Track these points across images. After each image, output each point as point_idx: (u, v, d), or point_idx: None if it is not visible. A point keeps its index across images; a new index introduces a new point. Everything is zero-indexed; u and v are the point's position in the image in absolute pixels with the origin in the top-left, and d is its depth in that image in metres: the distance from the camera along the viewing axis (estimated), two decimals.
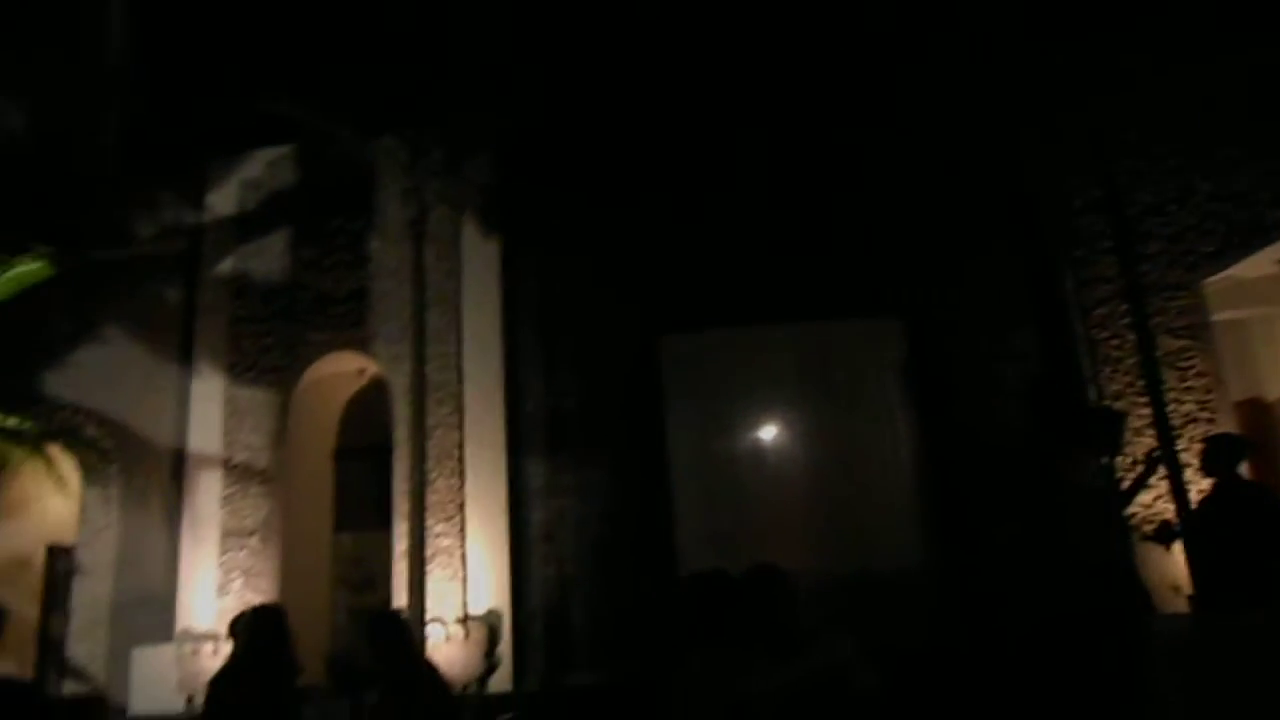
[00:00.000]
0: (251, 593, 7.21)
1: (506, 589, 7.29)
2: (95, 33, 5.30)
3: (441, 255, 7.91)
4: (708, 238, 7.61)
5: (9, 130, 5.65)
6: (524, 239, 8.04)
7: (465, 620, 7.17)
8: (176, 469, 7.80)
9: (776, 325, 7.62)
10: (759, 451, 7.79)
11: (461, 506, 7.50)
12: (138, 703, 6.98)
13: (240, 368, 8.00)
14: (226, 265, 8.23)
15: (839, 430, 7.59)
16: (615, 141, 7.90)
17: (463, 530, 7.44)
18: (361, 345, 8.03)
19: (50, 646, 7.61)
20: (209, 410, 7.90)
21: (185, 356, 8.04)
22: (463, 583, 7.31)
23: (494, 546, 7.39)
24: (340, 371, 8.35)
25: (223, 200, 8.32)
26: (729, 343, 7.76)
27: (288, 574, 7.58)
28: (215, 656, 6.65)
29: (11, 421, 6.40)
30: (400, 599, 6.74)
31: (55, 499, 7.82)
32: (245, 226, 8.26)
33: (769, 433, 7.83)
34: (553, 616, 7.27)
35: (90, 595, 7.58)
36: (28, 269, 6.52)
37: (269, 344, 8.07)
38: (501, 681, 7.06)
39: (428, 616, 7.02)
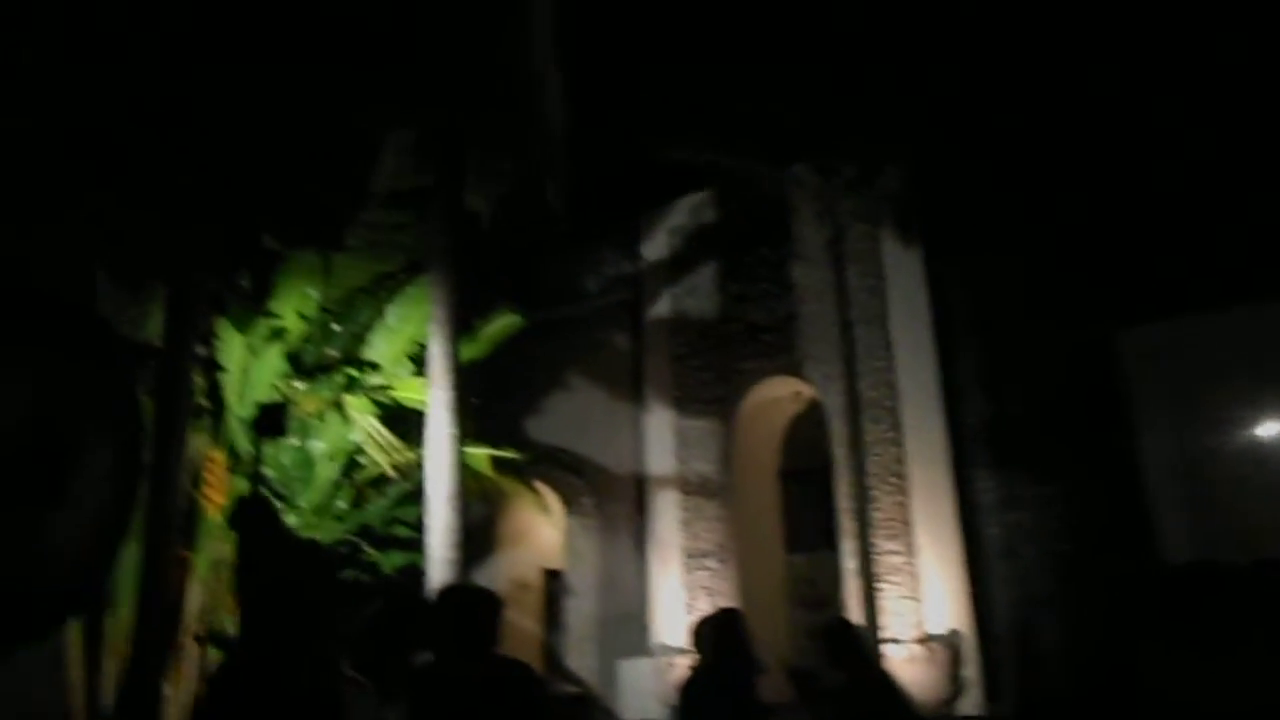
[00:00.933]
0: (711, 609, 7.61)
1: (966, 608, 6.93)
2: (538, 106, 6.09)
3: (863, 272, 7.85)
4: (1164, 213, 6.74)
5: (474, 208, 6.69)
6: (947, 245, 7.71)
7: (925, 640, 6.93)
8: (639, 497, 8.51)
9: (1265, 303, 6.51)
10: (1256, 448, 6.66)
11: (908, 524, 7.29)
12: (626, 710, 7.66)
13: (684, 400, 8.54)
14: (663, 307, 8.89)
15: None
16: (1035, 126, 7.32)
17: (912, 548, 7.23)
18: (794, 369, 8.18)
19: (551, 658, 8.61)
20: (662, 441, 8.53)
21: (636, 394, 8.77)
22: (918, 602, 7.09)
23: (947, 564, 7.08)
24: (776, 396, 8.59)
25: (655, 248, 9.03)
26: (1206, 328, 6.75)
27: (745, 593, 7.87)
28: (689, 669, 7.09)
29: (508, 453, 7.44)
30: (854, 618, 6.69)
31: (545, 528, 8.93)
32: (676, 269, 8.87)
33: (1270, 428, 6.68)
34: (1022, 636, 6.77)
35: (579, 613, 8.50)
36: (503, 324, 7.58)
37: (708, 376, 8.53)
38: (971, 706, 6.71)
39: (884, 635, 6.92)
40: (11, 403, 2.94)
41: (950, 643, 6.86)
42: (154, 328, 4.78)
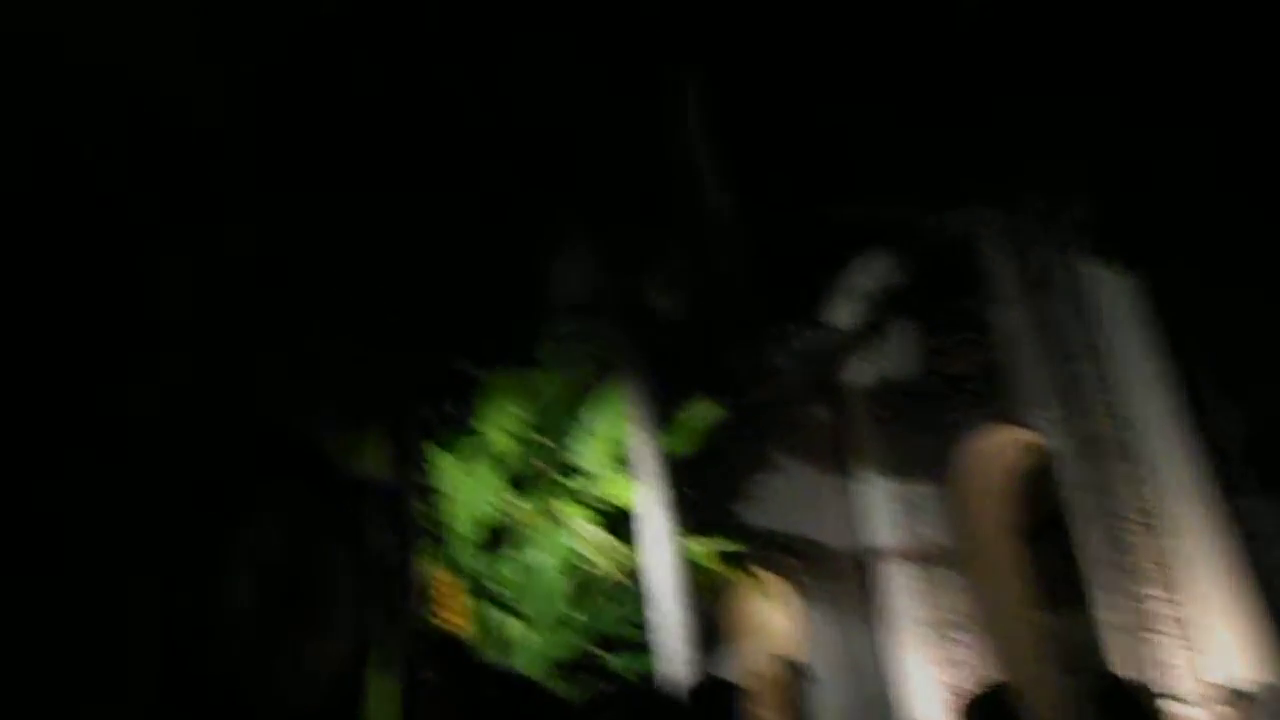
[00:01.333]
0: (965, 682, 7.12)
1: (1262, 652, 6.16)
2: (702, 206, 6.22)
3: (1065, 304, 7.42)
4: None
5: (658, 306, 6.85)
6: (1150, 261, 7.18)
7: (1220, 695, 6.19)
8: (865, 573, 8.20)
9: None
10: None
11: (1167, 566, 6.64)
12: None
13: (898, 465, 8.25)
14: (859, 373, 8.69)
15: None
16: (1229, 119, 6.77)
17: (1177, 591, 6.55)
18: (1010, 417, 7.76)
19: None
20: (881, 512, 8.25)
21: (843, 466, 8.55)
22: (1192, 651, 6.38)
23: (1222, 605, 6.35)
24: (994, 447, 8.14)
25: (840, 316, 8.89)
26: None
27: (998, 661, 7.36)
28: None
29: (727, 544, 7.38)
30: (1123, 676, 6.09)
31: (775, 616, 8.70)
32: (868, 332, 8.69)
33: None
34: None
35: (822, 702, 8.17)
36: (703, 415, 7.58)
37: (918, 438, 8.22)
38: None
39: (1160, 691, 6.25)
40: (271, 538, 3.16)
41: (1253, 694, 6.09)
42: (370, 460, 5.07)
